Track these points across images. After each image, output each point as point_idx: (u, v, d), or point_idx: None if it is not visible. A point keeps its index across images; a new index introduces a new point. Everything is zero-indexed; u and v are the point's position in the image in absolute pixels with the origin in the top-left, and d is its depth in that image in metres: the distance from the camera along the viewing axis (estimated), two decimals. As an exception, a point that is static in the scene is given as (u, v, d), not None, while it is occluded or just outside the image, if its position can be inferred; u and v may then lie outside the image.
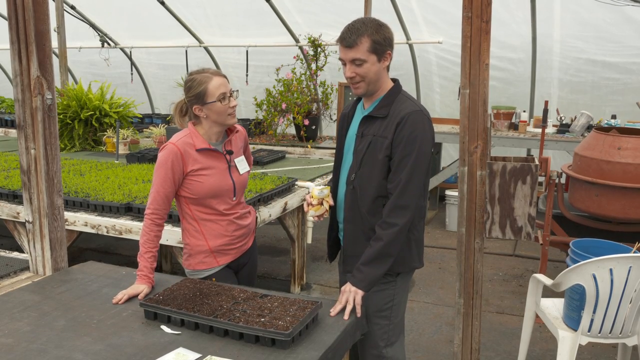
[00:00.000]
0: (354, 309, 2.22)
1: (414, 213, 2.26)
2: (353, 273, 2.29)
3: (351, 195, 2.37)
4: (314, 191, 2.44)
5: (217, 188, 2.56)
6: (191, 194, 2.55)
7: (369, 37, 2.21)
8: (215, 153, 2.59)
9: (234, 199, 2.64)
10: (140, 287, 2.38)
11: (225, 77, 2.56)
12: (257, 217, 2.95)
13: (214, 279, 2.59)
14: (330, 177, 5.00)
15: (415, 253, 2.40)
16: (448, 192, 6.68)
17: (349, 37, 2.23)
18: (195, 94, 2.50)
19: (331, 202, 2.47)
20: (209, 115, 2.53)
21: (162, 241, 3.42)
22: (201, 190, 2.53)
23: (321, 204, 2.44)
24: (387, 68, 2.33)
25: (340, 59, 2.29)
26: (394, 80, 2.41)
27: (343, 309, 2.23)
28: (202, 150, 2.54)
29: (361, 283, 2.25)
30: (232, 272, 2.71)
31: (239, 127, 2.75)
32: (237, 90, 2.63)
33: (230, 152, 2.63)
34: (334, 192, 2.52)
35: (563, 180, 4.35)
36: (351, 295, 2.24)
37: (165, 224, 3.45)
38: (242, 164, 2.70)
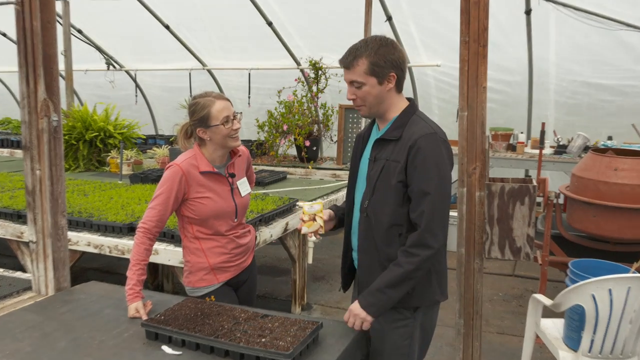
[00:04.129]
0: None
1: (441, 247, 2.11)
2: (364, 294, 2.15)
3: (365, 223, 2.23)
4: (305, 207, 2.39)
5: (220, 210, 2.57)
6: (194, 215, 2.56)
7: (367, 58, 2.10)
8: (218, 176, 2.60)
9: (236, 220, 2.65)
10: (134, 307, 2.35)
11: (228, 100, 2.57)
12: (257, 236, 2.95)
13: (212, 297, 2.59)
14: (331, 197, 5.01)
15: (436, 285, 2.23)
16: (447, 213, 6.65)
17: (346, 58, 2.14)
18: (199, 117, 2.52)
19: (325, 217, 2.38)
20: (213, 138, 2.54)
21: (164, 261, 3.41)
22: (204, 211, 2.54)
23: (314, 219, 2.37)
24: (399, 88, 2.19)
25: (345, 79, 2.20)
26: (409, 100, 2.27)
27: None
28: (206, 173, 2.56)
29: (371, 307, 2.11)
30: (232, 290, 2.71)
31: (242, 149, 2.77)
32: (241, 113, 2.65)
33: (232, 175, 2.65)
34: (347, 218, 2.40)
35: (561, 201, 4.34)
36: (358, 320, 2.13)
37: (167, 244, 3.45)
38: (244, 186, 2.71)
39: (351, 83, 2.16)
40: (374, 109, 2.19)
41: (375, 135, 2.30)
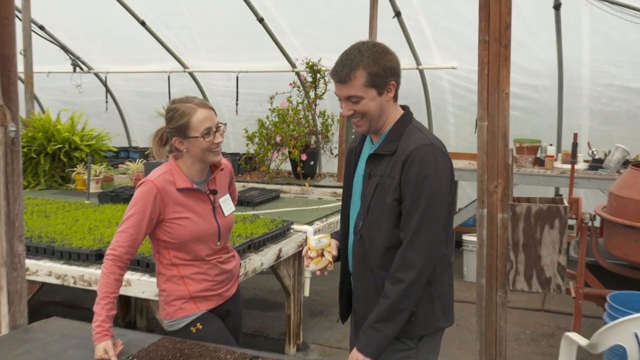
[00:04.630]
0: None
1: (425, 267, 2.18)
2: (359, 336, 2.24)
3: (359, 246, 2.30)
4: (311, 242, 2.41)
5: (200, 232, 2.58)
6: (171, 239, 2.56)
7: (365, 69, 2.15)
8: (198, 193, 2.61)
9: (219, 243, 2.65)
10: (103, 347, 2.33)
11: (212, 109, 2.60)
12: (244, 265, 2.95)
13: (199, 324, 2.58)
14: (331, 219, 5.01)
15: (439, 310, 2.30)
16: (465, 237, 6.66)
17: (341, 70, 2.18)
18: (177, 126, 2.54)
19: (334, 253, 2.42)
20: (190, 150, 2.56)
21: (137, 293, 3.40)
22: (182, 234, 2.55)
23: (322, 255, 2.40)
24: (395, 97, 2.28)
25: (335, 94, 2.25)
26: (404, 108, 2.35)
27: None
28: (184, 190, 2.56)
29: (367, 349, 2.19)
30: (218, 317, 2.71)
31: (224, 162, 2.79)
32: (225, 124, 2.67)
33: (214, 192, 2.66)
34: (343, 241, 2.46)
35: (597, 224, 4.34)
36: None
37: (141, 274, 3.45)
38: (227, 205, 2.73)
39: (348, 98, 2.20)
40: (375, 123, 2.25)
41: (368, 149, 2.37)
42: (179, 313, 2.62)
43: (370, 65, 2.15)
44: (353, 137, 2.58)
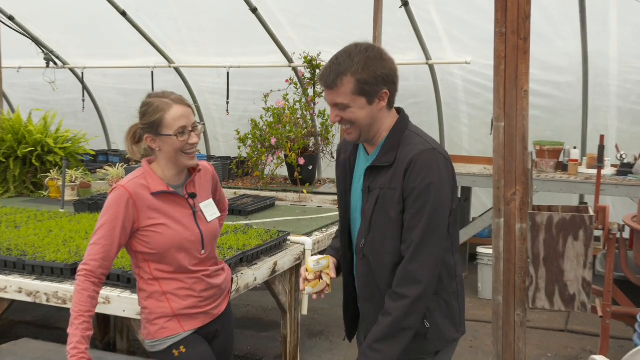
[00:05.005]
0: None
1: (431, 282, 2.23)
2: (358, 358, 2.27)
3: (364, 266, 2.36)
4: (309, 263, 2.46)
5: (180, 240, 2.59)
6: (149, 249, 2.58)
7: (353, 75, 2.20)
8: (174, 197, 2.63)
9: (203, 252, 2.66)
10: None
11: (190, 107, 2.63)
12: (236, 280, 2.96)
13: (182, 347, 2.59)
14: (331, 229, 5.01)
15: (450, 322, 2.37)
16: (480, 250, 6.66)
17: (327, 76, 2.23)
18: (149, 122, 2.57)
19: (332, 275, 2.47)
20: (163, 150, 2.59)
21: (117, 312, 3.40)
22: (161, 243, 2.56)
23: (320, 277, 2.45)
24: (391, 105, 2.31)
25: (324, 99, 2.31)
26: (398, 111, 2.39)
27: None
28: (159, 193, 2.59)
29: None
30: (205, 339, 2.72)
31: (204, 165, 2.82)
32: (203, 124, 2.69)
33: (193, 195, 2.68)
34: (346, 260, 2.51)
35: (626, 235, 4.34)
36: None
37: (121, 290, 3.45)
38: (209, 210, 2.75)
39: (335, 105, 2.26)
40: (365, 133, 2.30)
41: (364, 160, 2.41)
42: (162, 333, 2.63)
43: (359, 72, 2.20)
44: (342, 140, 2.59)
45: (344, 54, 2.23)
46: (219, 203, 2.92)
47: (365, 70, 2.19)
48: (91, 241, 2.53)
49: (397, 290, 2.21)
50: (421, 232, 2.19)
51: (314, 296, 2.47)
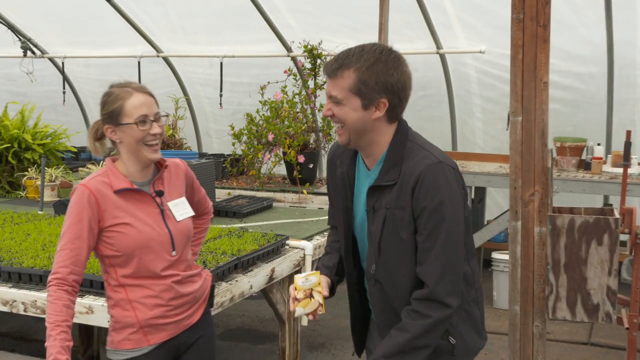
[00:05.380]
0: None
1: (457, 303, 2.26)
2: None
3: (377, 292, 2.39)
4: (297, 281, 2.44)
5: (146, 240, 2.61)
6: (115, 251, 2.60)
7: (355, 72, 2.22)
8: (139, 195, 2.65)
9: (174, 253, 2.68)
10: None
11: (152, 96, 2.66)
12: (213, 283, 2.96)
13: None
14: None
15: (474, 332, 2.43)
16: (495, 255, 6.65)
17: (331, 64, 2.27)
18: (109, 111, 2.61)
19: (325, 293, 2.46)
20: (123, 141, 2.62)
21: (101, 322, 3.40)
22: (126, 244, 2.59)
23: (310, 296, 2.42)
24: (391, 117, 2.29)
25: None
26: (397, 120, 2.37)
27: None
28: (123, 191, 2.61)
29: None
30: (167, 356, 2.73)
31: (175, 161, 2.84)
32: (167, 115, 2.70)
33: (160, 193, 2.70)
34: (349, 278, 2.54)
35: (654, 240, 4.34)
36: None
37: (105, 300, 3.45)
38: (180, 209, 2.76)
39: (330, 97, 2.28)
40: (354, 138, 2.30)
41: (365, 176, 2.41)
42: (125, 344, 2.65)
43: (363, 70, 2.21)
44: (334, 145, 2.58)
45: (358, 48, 2.26)
46: (199, 205, 2.94)
47: (369, 71, 2.21)
48: (58, 247, 2.56)
49: (419, 309, 2.24)
50: (439, 253, 2.22)
51: (310, 317, 2.45)
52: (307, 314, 2.43)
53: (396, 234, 2.27)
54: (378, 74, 2.21)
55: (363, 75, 2.21)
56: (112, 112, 2.60)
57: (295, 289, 2.44)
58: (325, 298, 2.46)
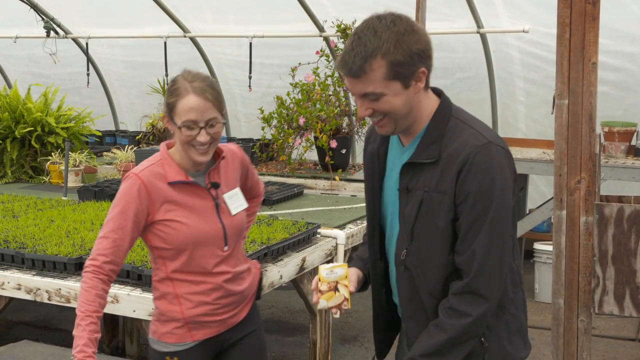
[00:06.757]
0: None
1: (498, 297, 2.18)
2: None
3: (406, 280, 2.27)
4: (321, 272, 2.37)
5: (200, 235, 2.61)
6: (165, 245, 2.60)
7: (384, 57, 2.04)
8: (194, 188, 2.64)
9: (226, 248, 2.68)
10: None
11: (209, 100, 2.54)
12: (261, 276, 2.97)
13: (176, 357, 2.63)
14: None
15: (519, 339, 2.31)
16: (538, 246, 6.61)
17: (352, 61, 2.06)
18: (167, 102, 2.60)
19: (352, 288, 2.40)
20: (175, 135, 2.61)
21: (127, 312, 3.44)
22: (178, 239, 2.58)
23: (335, 289, 2.36)
24: (426, 85, 2.17)
25: (346, 89, 2.24)
26: (438, 93, 2.25)
27: None
28: (177, 183, 2.60)
29: None
30: (209, 354, 2.75)
31: (231, 148, 2.81)
32: (224, 123, 2.66)
33: (216, 185, 2.68)
34: (376, 270, 2.44)
35: None
36: None
37: (131, 288, 3.49)
38: (235, 201, 2.74)
39: (364, 96, 2.12)
40: (402, 123, 2.17)
41: (398, 153, 2.30)
42: (168, 338, 2.67)
43: (392, 51, 2.04)
44: (371, 125, 2.47)
45: (368, 31, 2.06)
46: (251, 189, 2.93)
47: (398, 49, 2.04)
48: (100, 234, 2.56)
49: (457, 307, 2.14)
50: (485, 242, 2.11)
51: (334, 311, 2.40)
52: (331, 308, 2.37)
53: (432, 220, 2.16)
54: (407, 47, 2.05)
55: (394, 56, 2.04)
56: (168, 105, 2.58)
57: (320, 281, 2.37)
58: (352, 293, 2.41)
